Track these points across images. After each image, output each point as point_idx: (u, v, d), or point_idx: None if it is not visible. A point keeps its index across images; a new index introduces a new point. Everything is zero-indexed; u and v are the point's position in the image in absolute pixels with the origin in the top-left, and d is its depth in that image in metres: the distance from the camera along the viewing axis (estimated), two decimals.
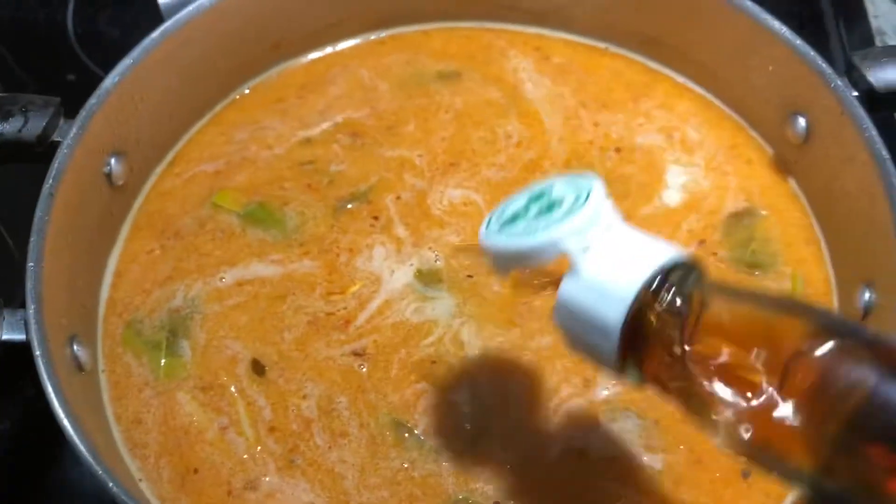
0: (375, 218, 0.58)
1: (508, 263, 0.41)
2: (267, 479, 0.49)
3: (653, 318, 0.36)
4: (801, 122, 0.58)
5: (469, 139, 0.62)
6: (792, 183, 0.60)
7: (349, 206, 0.59)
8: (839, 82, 0.54)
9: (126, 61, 0.56)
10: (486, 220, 0.42)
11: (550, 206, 0.40)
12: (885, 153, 0.51)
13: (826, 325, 0.34)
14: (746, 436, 0.34)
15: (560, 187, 0.41)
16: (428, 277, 0.56)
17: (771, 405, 0.33)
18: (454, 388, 0.52)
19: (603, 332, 0.37)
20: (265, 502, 0.48)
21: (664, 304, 0.36)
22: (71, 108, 0.54)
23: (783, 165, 0.61)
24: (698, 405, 0.36)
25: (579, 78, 0.66)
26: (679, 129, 0.63)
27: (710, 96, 0.64)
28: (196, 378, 0.52)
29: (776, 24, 0.57)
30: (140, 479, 0.49)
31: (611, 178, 0.60)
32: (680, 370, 0.36)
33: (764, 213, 0.59)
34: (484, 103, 0.64)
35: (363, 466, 0.49)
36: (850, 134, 0.53)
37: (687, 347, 0.36)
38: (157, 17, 0.60)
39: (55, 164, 0.51)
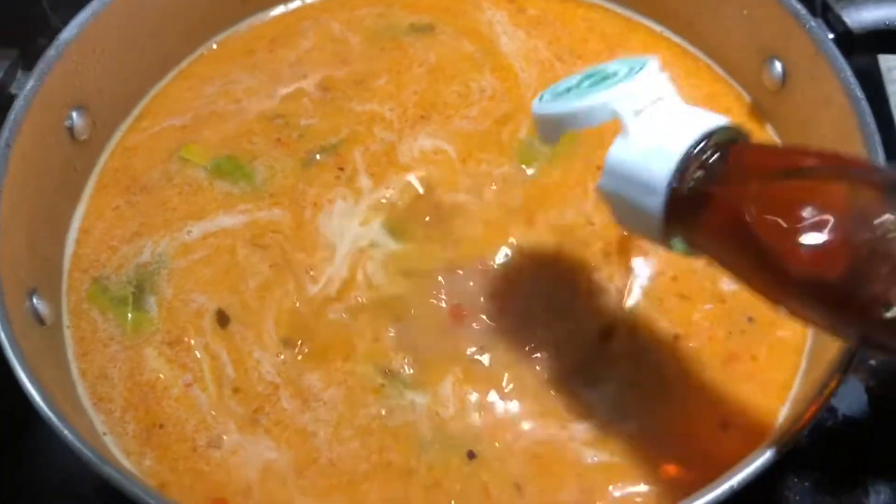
0: (341, 169, 0.57)
1: (558, 127, 0.42)
2: (226, 437, 0.48)
3: (700, 180, 0.37)
4: (778, 66, 0.57)
5: (441, 93, 0.61)
6: (770, 130, 0.59)
7: (317, 157, 0.58)
8: (813, 24, 0.53)
9: (85, 13, 0.55)
10: (539, 96, 0.44)
11: (604, 78, 0.42)
12: (859, 93, 0.50)
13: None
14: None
15: (615, 65, 0.43)
16: (390, 221, 0.55)
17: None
18: (428, 327, 0.51)
19: (651, 190, 0.38)
20: (229, 459, 0.48)
21: (711, 165, 0.37)
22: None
23: (761, 113, 0.60)
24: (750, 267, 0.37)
25: (554, 30, 0.64)
26: None
27: (686, 45, 0.63)
28: (163, 333, 0.52)
29: None
30: (104, 433, 0.49)
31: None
32: (729, 231, 0.36)
33: None
34: (458, 57, 0.63)
35: (339, 421, 0.48)
36: (825, 76, 0.52)
37: (737, 208, 0.36)
38: None
39: (11, 116, 0.50)
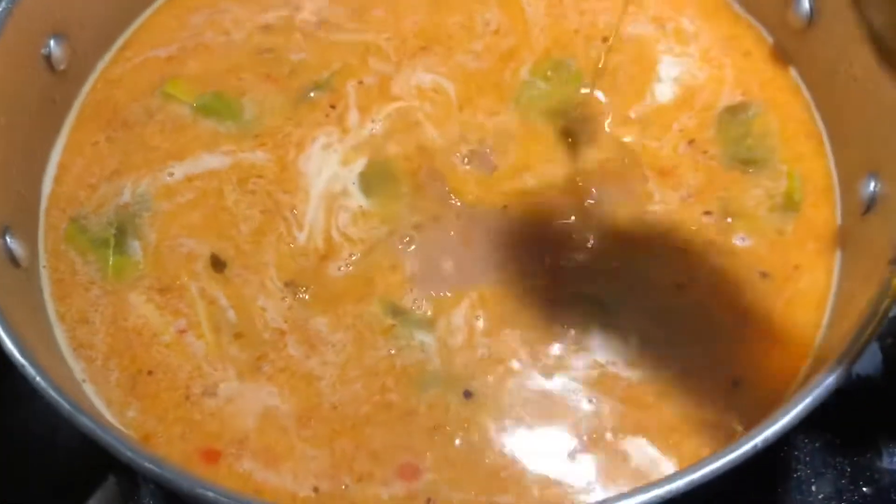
0: (332, 107, 0.55)
1: None
2: (223, 385, 0.46)
3: None
4: (805, 1, 0.54)
5: (444, 24, 0.58)
6: (793, 74, 0.56)
7: (311, 94, 0.55)
8: None
9: None
10: None
11: None
12: None
13: None
14: None
15: None
16: (373, 163, 0.53)
17: None
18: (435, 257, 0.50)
19: None
20: (224, 408, 0.46)
21: None
22: None
23: (784, 55, 0.57)
24: None
25: None
26: (673, 20, 0.59)
27: None
28: (151, 279, 0.49)
29: None
30: (84, 381, 0.46)
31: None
32: None
33: (762, 107, 0.55)
34: None
35: (346, 363, 0.47)
36: None
37: None
38: None
39: None
